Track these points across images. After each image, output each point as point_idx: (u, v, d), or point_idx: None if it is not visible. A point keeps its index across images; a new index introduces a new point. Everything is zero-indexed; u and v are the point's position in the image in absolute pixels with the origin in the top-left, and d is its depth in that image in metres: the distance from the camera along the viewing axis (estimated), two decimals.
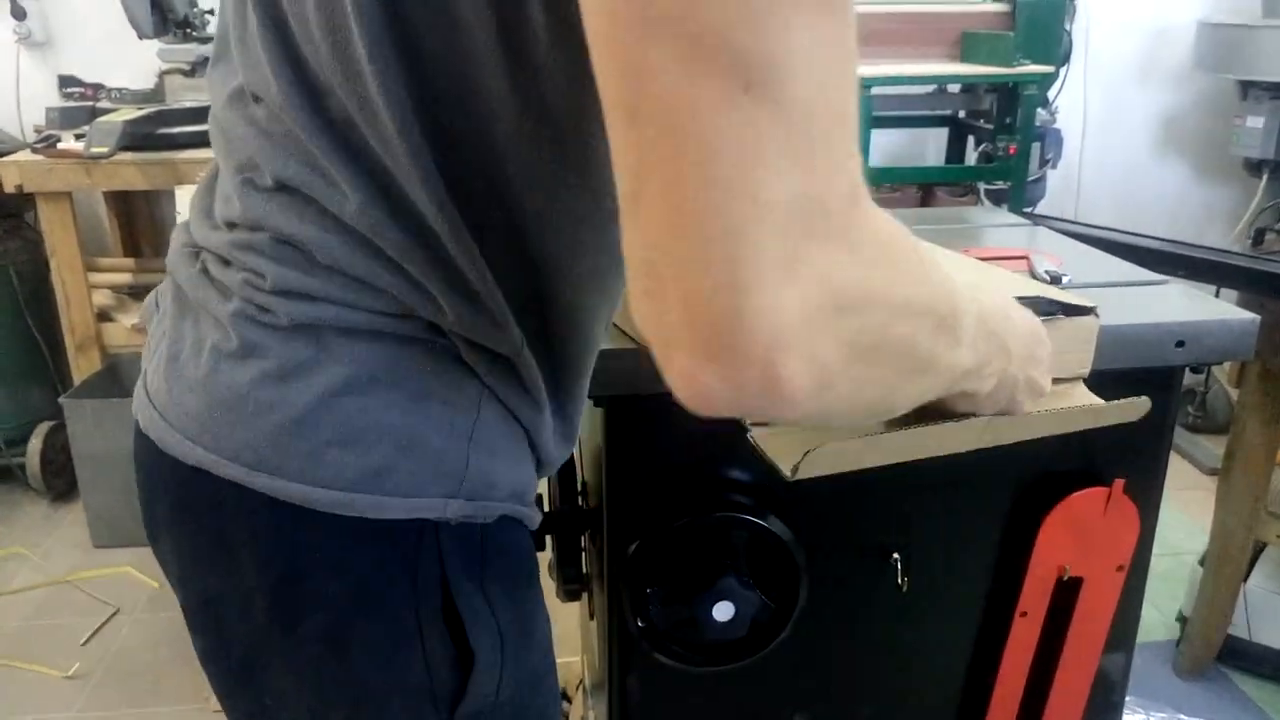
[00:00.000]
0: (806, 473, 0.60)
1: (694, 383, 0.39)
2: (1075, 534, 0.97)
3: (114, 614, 2.25)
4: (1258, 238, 1.87)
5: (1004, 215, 1.44)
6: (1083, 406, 0.76)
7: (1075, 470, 0.95)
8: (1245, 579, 2.00)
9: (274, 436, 0.54)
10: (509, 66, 0.50)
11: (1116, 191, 3.07)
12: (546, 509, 1.08)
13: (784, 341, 0.37)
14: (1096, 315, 0.77)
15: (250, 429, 0.54)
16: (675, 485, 0.91)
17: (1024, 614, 0.99)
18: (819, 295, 0.38)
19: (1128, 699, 1.98)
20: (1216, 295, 2.26)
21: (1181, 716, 1.91)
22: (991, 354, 0.56)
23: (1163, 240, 1.73)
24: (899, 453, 0.66)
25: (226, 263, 0.58)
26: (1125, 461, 0.96)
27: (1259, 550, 2.07)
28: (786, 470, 0.60)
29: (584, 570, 1.12)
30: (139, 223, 3.02)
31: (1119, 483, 0.96)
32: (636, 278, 0.40)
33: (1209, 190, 3.07)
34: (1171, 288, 1.02)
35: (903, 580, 0.95)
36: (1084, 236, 1.45)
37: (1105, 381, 0.93)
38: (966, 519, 0.96)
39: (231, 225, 0.58)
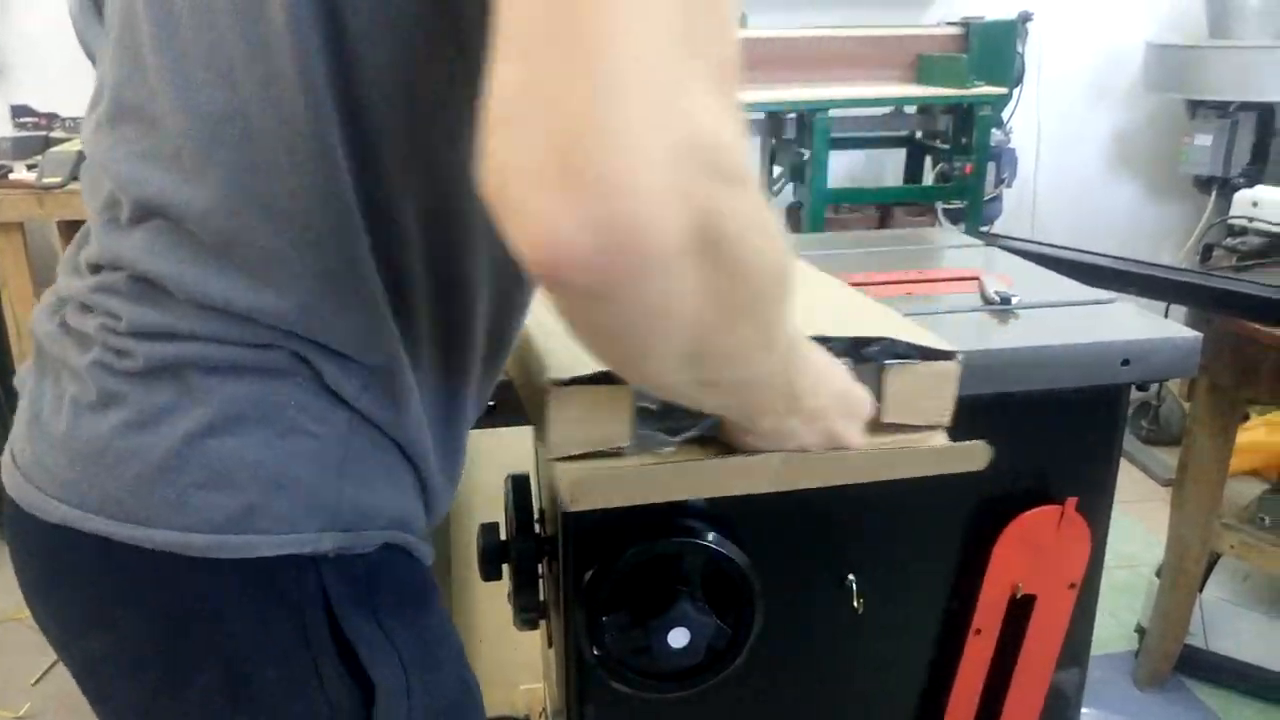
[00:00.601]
0: (587, 502, 0.60)
1: (549, 225, 0.36)
2: (1028, 552, 0.97)
3: None
4: (1206, 254, 1.91)
5: (958, 236, 1.46)
6: (908, 449, 0.73)
7: (1027, 489, 0.96)
8: (1201, 589, 2.03)
9: (136, 485, 0.53)
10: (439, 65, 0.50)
11: (1071, 209, 3.12)
12: (503, 537, 1.07)
13: (651, 181, 0.36)
14: (958, 360, 0.75)
15: (113, 480, 0.53)
16: (631, 511, 0.91)
17: (978, 632, 0.99)
18: (692, 146, 0.37)
19: (1087, 711, 2.00)
20: (1166, 312, 2.30)
21: None
22: (804, 364, 0.59)
23: (1113, 258, 1.76)
24: (685, 487, 0.66)
25: (86, 309, 0.57)
26: (1076, 480, 0.97)
27: (1214, 561, 2.10)
28: (566, 499, 0.61)
29: (541, 598, 1.11)
30: None
31: (1071, 501, 0.97)
32: (498, 106, 0.37)
33: (1160, 207, 3.13)
34: (1119, 306, 1.04)
35: (858, 602, 0.95)
36: (1037, 255, 1.47)
37: (1056, 400, 0.95)
38: (921, 539, 0.97)
39: (94, 268, 0.57)
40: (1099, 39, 3.04)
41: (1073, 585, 1.01)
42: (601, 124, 0.35)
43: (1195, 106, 2.85)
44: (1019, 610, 1.00)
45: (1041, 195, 3.12)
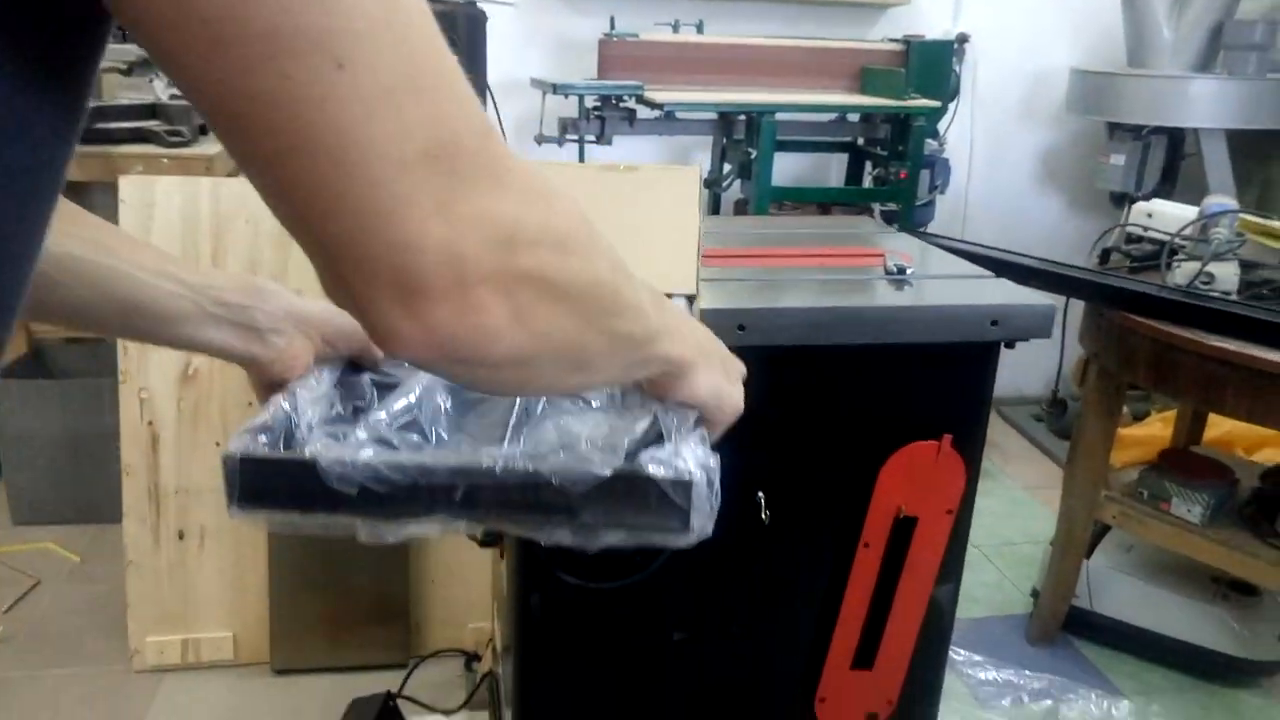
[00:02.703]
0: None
1: (399, 335, 0.40)
2: (910, 479, 1.17)
3: (35, 585, 2.31)
4: (1105, 258, 2.13)
5: (881, 226, 1.66)
6: None
7: (910, 426, 1.15)
8: (1088, 556, 2.25)
9: None
10: None
11: (1000, 218, 3.35)
12: None
13: (467, 275, 0.39)
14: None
15: None
16: None
17: (866, 545, 1.18)
18: (484, 232, 0.40)
19: (981, 659, 2.22)
20: (1065, 306, 2.53)
21: (1026, 673, 2.15)
22: (674, 316, 0.58)
23: (1018, 254, 1.97)
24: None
25: None
26: (952, 420, 1.16)
27: (1104, 531, 2.33)
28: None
29: None
30: None
31: (947, 438, 1.16)
32: (316, 263, 0.41)
33: (1081, 220, 3.38)
34: (994, 281, 1.24)
35: (765, 514, 1.14)
36: (952, 249, 1.67)
37: (937, 351, 1.14)
38: (819, 463, 1.15)
39: None
40: (1029, 62, 3.28)
41: (949, 511, 1.20)
42: (400, 250, 0.39)
43: (1113, 128, 3.10)
44: (902, 530, 1.19)
45: (973, 203, 3.35)
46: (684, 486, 0.55)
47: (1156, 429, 2.93)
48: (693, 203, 1.16)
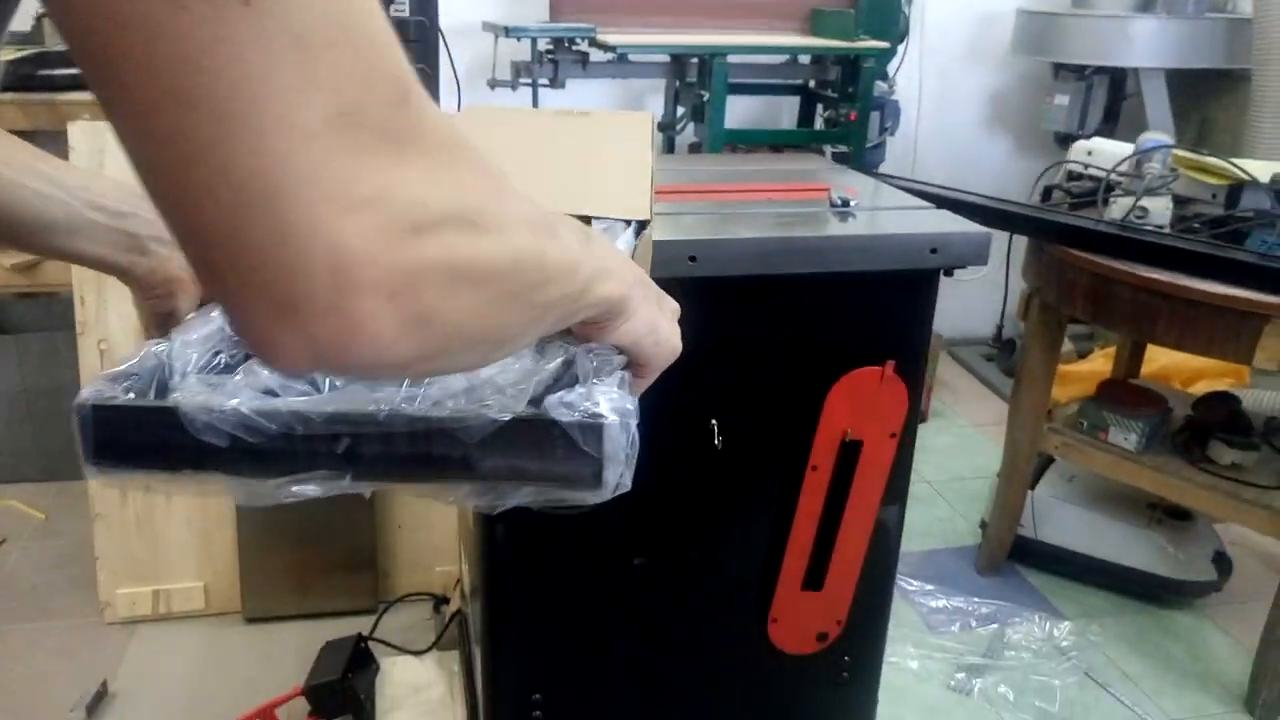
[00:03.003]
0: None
1: (275, 347, 0.34)
2: (855, 403, 1.22)
3: (1, 543, 2.31)
4: (1046, 195, 2.19)
5: (829, 164, 1.69)
6: None
7: (855, 352, 1.20)
8: (1032, 487, 2.34)
9: None
10: None
11: (950, 159, 3.40)
12: None
13: (353, 282, 0.33)
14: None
15: None
16: None
17: (815, 468, 1.23)
18: (386, 219, 0.34)
19: (932, 588, 2.30)
20: (1009, 240, 2.59)
21: (975, 600, 2.24)
22: (607, 254, 0.52)
23: (962, 192, 2.02)
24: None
25: None
26: (895, 347, 1.21)
27: (1048, 463, 2.42)
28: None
29: None
30: None
31: (890, 363, 1.21)
32: (186, 251, 0.34)
33: (1028, 160, 3.43)
34: (934, 212, 1.28)
35: (719, 440, 1.18)
36: (899, 186, 1.71)
37: (879, 279, 1.18)
38: (768, 390, 1.20)
39: None
40: (976, 4, 3.31)
41: (893, 435, 1.26)
42: (281, 241, 0.32)
43: (1057, 69, 3.15)
44: (849, 452, 1.24)
45: (922, 144, 3.39)
46: (595, 431, 0.49)
47: (1099, 365, 3.03)
48: (646, 142, 1.19)
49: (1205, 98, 3.14)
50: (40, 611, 2.10)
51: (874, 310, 1.19)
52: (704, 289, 1.10)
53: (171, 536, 2.07)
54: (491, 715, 1.29)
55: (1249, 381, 2.96)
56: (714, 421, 1.19)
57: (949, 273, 1.18)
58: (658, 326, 0.56)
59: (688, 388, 1.19)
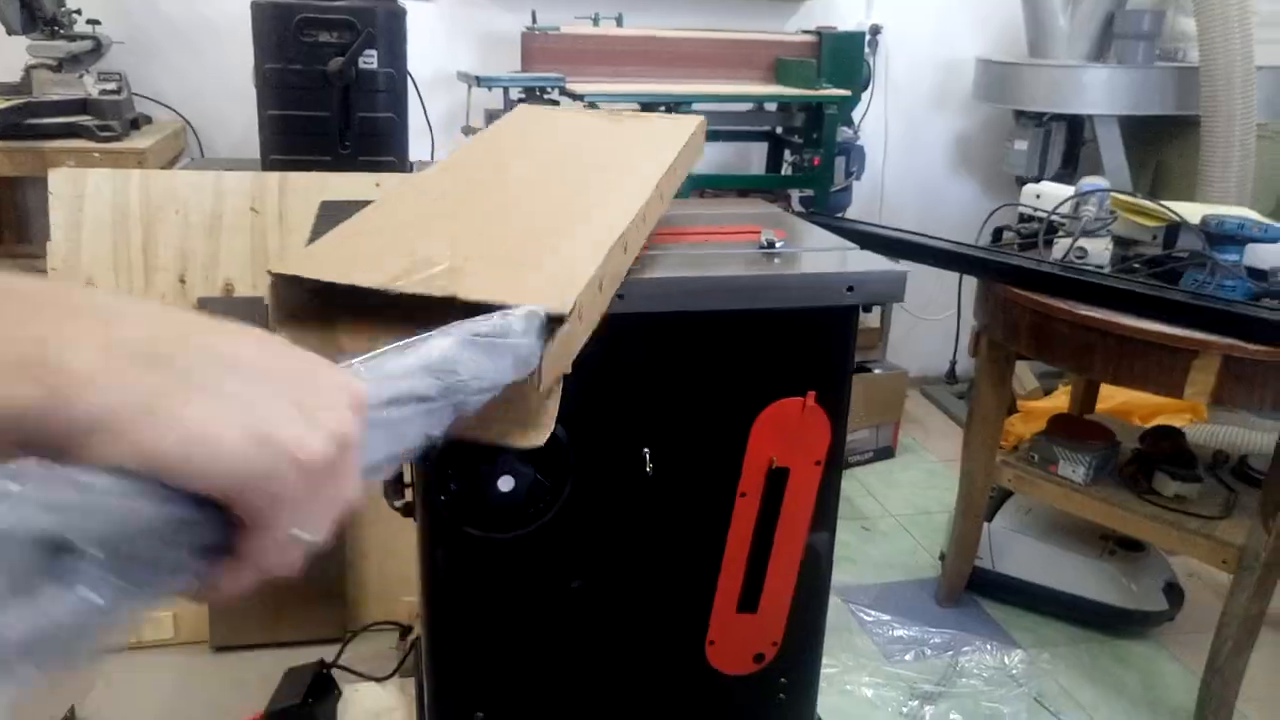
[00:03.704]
0: None
1: None
2: (779, 432, 1.28)
3: None
4: (997, 236, 2.27)
5: (769, 208, 1.77)
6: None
7: (778, 383, 1.27)
8: (990, 519, 2.40)
9: None
10: None
11: (916, 202, 3.51)
12: None
13: None
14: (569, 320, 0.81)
15: None
16: None
17: (744, 495, 1.30)
18: None
19: (889, 618, 2.35)
20: (960, 281, 2.68)
21: (931, 629, 2.29)
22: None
23: (911, 233, 2.11)
24: None
25: None
26: (816, 378, 1.28)
27: (1005, 496, 2.48)
28: None
29: (406, 482, 1.38)
30: (4, 210, 3.11)
31: (811, 394, 1.28)
32: None
33: (992, 202, 3.51)
34: (855, 253, 1.35)
35: (650, 467, 1.25)
36: (848, 230, 1.79)
37: (799, 316, 1.25)
38: (697, 419, 1.26)
39: None
40: (939, 52, 3.43)
41: (818, 462, 1.32)
42: None
43: (1018, 115, 3.26)
44: (776, 479, 1.30)
45: (889, 188, 3.49)
46: None
47: (1062, 401, 3.10)
48: (673, 145, 1.30)
49: (1159, 143, 3.24)
50: None
51: (795, 344, 1.26)
52: (633, 324, 1.17)
53: None
54: None
55: (1206, 417, 3.03)
56: (645, 450, 1.25)
57: (867, 309, 1.25)
58: (218, 435, 0.34)
59: (620, 417, 1.26)
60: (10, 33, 2.56)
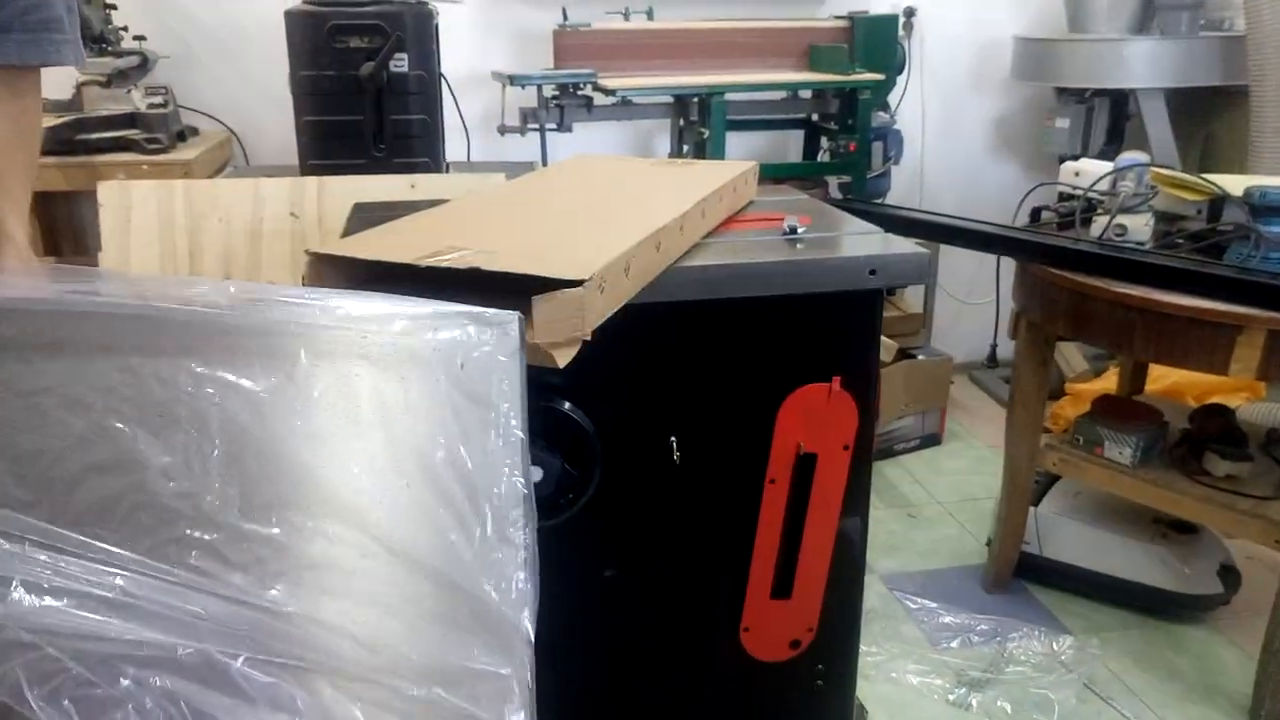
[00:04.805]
0: None
1: None
2: (807, 418, 1.28)
3: None
4: (1035, 216, 2.24)
5: (798, 195, 1.77)
6: None
7: (804, 369, 1.27)
8: (1037, 504, 2.37)
9: None
10: None
11: (957, 186, 3.46)
12: None
13: None
14: (586, 286, 0.89)
15: None
16: None
17: (772, 481, 1.30)
18: None
19: (936, 605, 2.34)
20: (998, 262, 2.64)
21: (978, 616, 2.27)
22: None
23: (948, 216, 2.09)
24: None
25: None
26: (841, 363, 1.28)
27: (1053, 480, 2.44)
28: None
29: None
30: (59, 223, 3.21)
31: (837, 379, 1.28)
32: None
33: (1033, 183, 3.47)
34: (878, 236, 1.35)
35: (677, 455, 1.26)
36: (880, 215, 1.78)
37: (822, 300, 1.26)
38: (725, 406, 1.27)
39: None
40: (975, 32, 3.38)
41: (846, 447, 1.32)
42: None
43: (1059, 93, 3.20)
44: (804, 465, 1.30)
45: (929, 172, 3.45)
46: None
47: (1111, 383, 3.04)
48: (718, 180, 1.37)
49: (1207, 115, 3.16)
50: None
51: (819, 329, 1.26)
52: (657, 313, 1.18)
53: None
54: None
55: (1265, 395, 2.95)
56: (673, 438, 1.26)
57: (890, 291, 1.24)
58: None
59: (646, 406, 1.27)
60: None
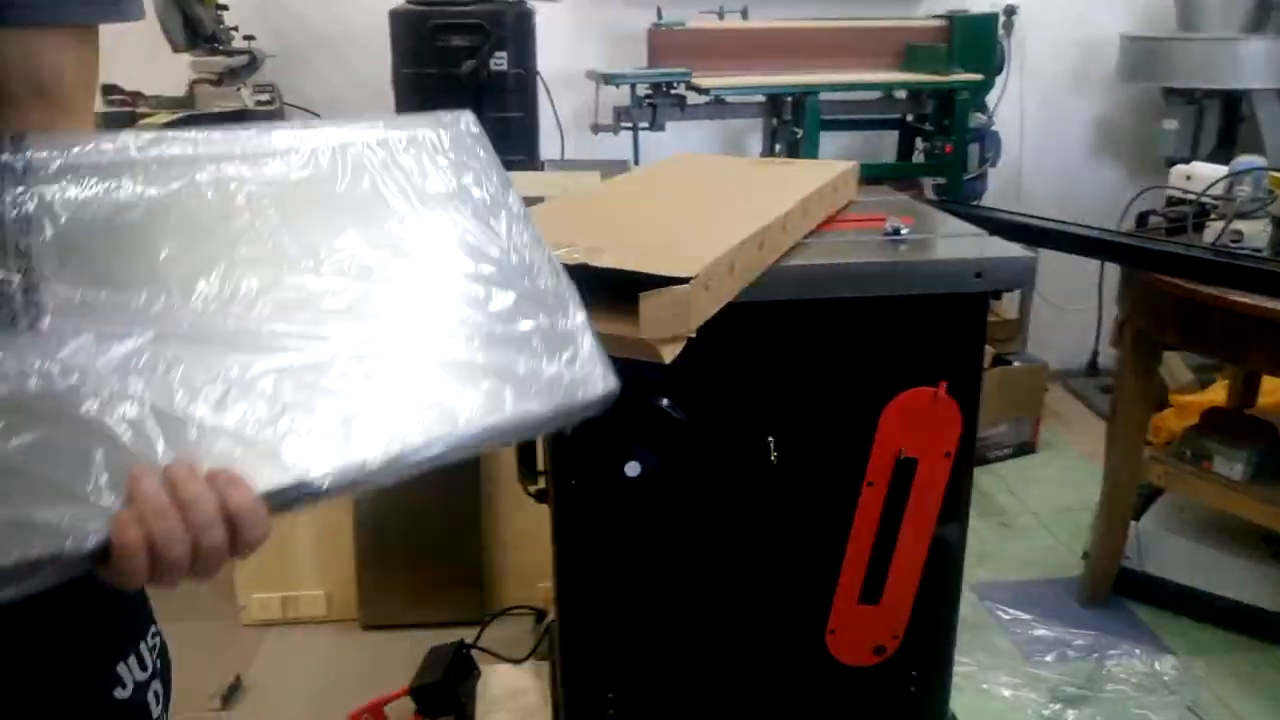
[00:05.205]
0: None
1: None
2: (909, 423, 1.27)
3: None
4: (1141, 221, 2.17)
5: (897, 195, 1.75)
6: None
7: (908, 373, 1.25)
8: (1139, 518, 2.29)
9: None
10: None
11: (1055, 190, 3.37)
12: None
13: None
14: (691, 284, 0.89)
15: None
16: None
17: (870, 484, 1.29)
18: None
19: (1029, 617, 2.28)
20: (1101, 270, 2.57)
21: (1074, 630, 2.20)
22: None
23: (1048, 220, 2.03)
24: None
25: None
26: (947, 368, 1.26)
27: (1155, 493, 2.36)
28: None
29: (539, 466, 1.43)
30: None
31: (943, 384, 1.26)
32: None
33: (1139, 187, 3.35)
34: (984, 239, 1.33)
35: (774, 456, 1.26)
36: (979, 218, 1.75)
37: (927, 303, 1.24)
38: (824, 407, 1.26)
39: None
40: (1079, 31, 3.28)
41: (948, 454, 1.30)
42: None
43: (1167, 93, 3.09)
44: (904, 470, 1.29)
45: (1027, 174, 3.37)
46: None
47: (1218, 395, 2.92)
48: (820, 179, 1.36)
49: None
50: (187, 611, 2.31)
51: (924, 333, 1.24)
52: (757, 312, 1.18)
53: (298, 548, 2.26)
54: (570, 711, 1.39)
55: None
56: (770, 438, 1.26)
57: (996, 295, 1.22)
58: None
59: (745, 405, 1.27)
60: (175, 50, 2.75)
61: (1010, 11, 3.15)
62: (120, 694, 0.83)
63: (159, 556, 0.55)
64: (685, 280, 0.92)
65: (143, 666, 0.86)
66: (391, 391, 0.63)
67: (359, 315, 0.66)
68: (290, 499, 0.59)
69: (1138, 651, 2.15)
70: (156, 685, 0.87)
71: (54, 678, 0.80)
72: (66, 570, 0.52)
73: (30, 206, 0.58)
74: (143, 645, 0.86)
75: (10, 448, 0.52)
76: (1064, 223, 2.01)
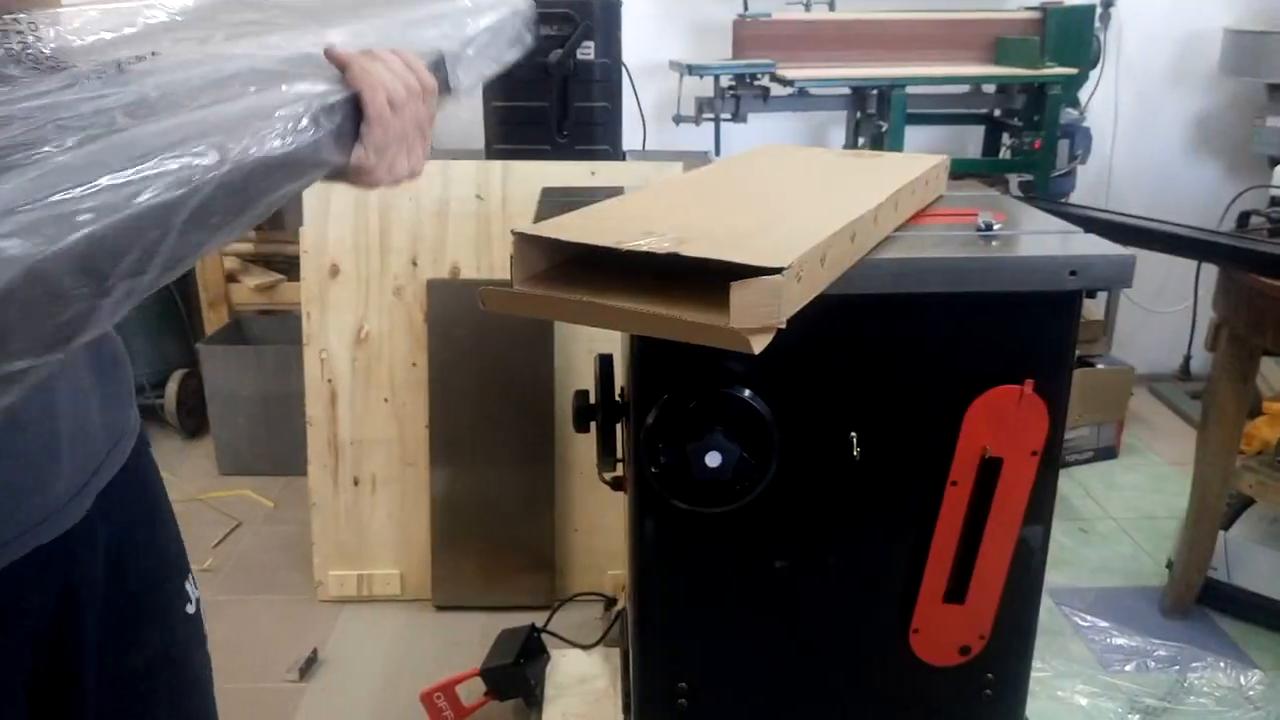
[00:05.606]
0: None
1: None
2: (994, 421, 1.24)
3: (237, 526, 2.65)
4: (1243, 220, 2.09)
5: (987, 190, 1.72)
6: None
7: (995, 370, 1.23)
8: (1227, 528, 2.22)
9: None
10: None
11: (1148, 188, 3.26)
12: (591, 401, 1.40)
13: None
14: (784, 275, 0.88)
15: None
16: (683, 375, 1.22)
17: (954, 483, 1.27)
18: None
19: (1108, 625, 2.23)
20: (1198, 270, 2.48)
21: (1155, 640, 2.15)
22: None
23: (1140, 218, 1.98)
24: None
25: None
26: (1035, 366, 1.23)
27: (1246, 504, 2.29)
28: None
29: (619, 454, 1.44)
30: None
31: (1029, 382, 1.23)
32: None
33: (1238, 187, 3.24)
34: (1079, 236, 1.29)
35: (857, 451, 1.25)
36: (1070, 215, 1.71)
37: (1018, 300, 1.21)
38: (909, 405, 1.25)
39: None
40: (1179, 25, 3.17)
41: (1034, 453, 1.27)
42: None
43: (1273, 89, 2.97)
44: (989, 469, 1.27)
45: (1118, 172, 3.27)
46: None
47: None
48: (910, 173, 1.35)
49: None
50: (267, 586, 2.39)
51: (1013, 330, 1.22)
52: (844, 305, 1.17)
53: (375, 527, 2.32)
54: (641, 699, 1.40)
55: None
56: (853, 433, 1.25)
57: (1090, 294, 1.19)
58: None
59: (829, 399, 1.26)
60: None
61: (1108, 3, 3.06)
62: (189, 609, 0.91)
63: (394, 101, 0.69)
64: (778, 271, 0.92)
65: (195, 590, 0.94)
66: None
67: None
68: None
69: (1222, 665, 2.09)
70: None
71: (149, 582, 0.87)
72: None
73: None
74: (190, 575, 0.94)
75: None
76: (1163, 221, 1.95)
